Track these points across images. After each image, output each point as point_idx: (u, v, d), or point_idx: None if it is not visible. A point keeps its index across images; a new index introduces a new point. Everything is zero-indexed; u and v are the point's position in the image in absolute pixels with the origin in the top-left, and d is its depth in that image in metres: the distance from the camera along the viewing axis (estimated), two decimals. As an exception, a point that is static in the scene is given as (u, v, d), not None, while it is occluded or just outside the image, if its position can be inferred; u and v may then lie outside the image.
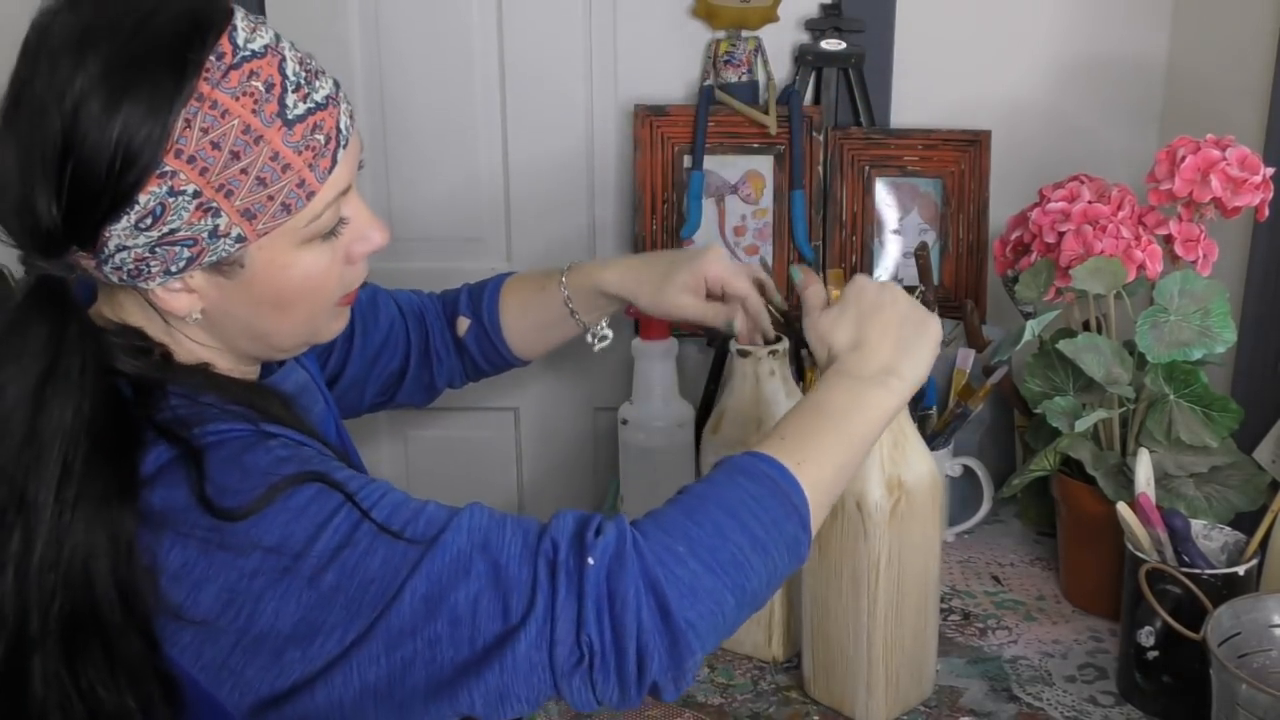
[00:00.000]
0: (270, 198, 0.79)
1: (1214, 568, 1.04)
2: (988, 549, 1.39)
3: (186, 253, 0.79)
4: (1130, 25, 1.61)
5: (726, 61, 1.64)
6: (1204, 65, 1.54)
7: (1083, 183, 1.27)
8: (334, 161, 0.82)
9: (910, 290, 1.44)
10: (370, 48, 1.71)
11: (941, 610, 1.18)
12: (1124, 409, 1.19)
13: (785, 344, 1.13)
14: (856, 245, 1.65)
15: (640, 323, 1.37)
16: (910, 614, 1.05)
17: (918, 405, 1.29)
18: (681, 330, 1.48)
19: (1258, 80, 1.35)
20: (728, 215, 1.67)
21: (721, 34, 1.64)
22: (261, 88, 0.78)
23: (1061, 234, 1.23)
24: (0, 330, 0.77)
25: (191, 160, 0.76)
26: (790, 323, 1.16)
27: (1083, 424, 1.17)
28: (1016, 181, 1.58)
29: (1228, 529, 1.09)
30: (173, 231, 0.77)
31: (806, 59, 1.64)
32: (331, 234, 0.85)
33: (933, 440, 1.29)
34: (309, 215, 0.82)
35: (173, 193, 0.76)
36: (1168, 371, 1.16)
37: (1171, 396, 1.16)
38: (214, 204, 0.77)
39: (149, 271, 0.79)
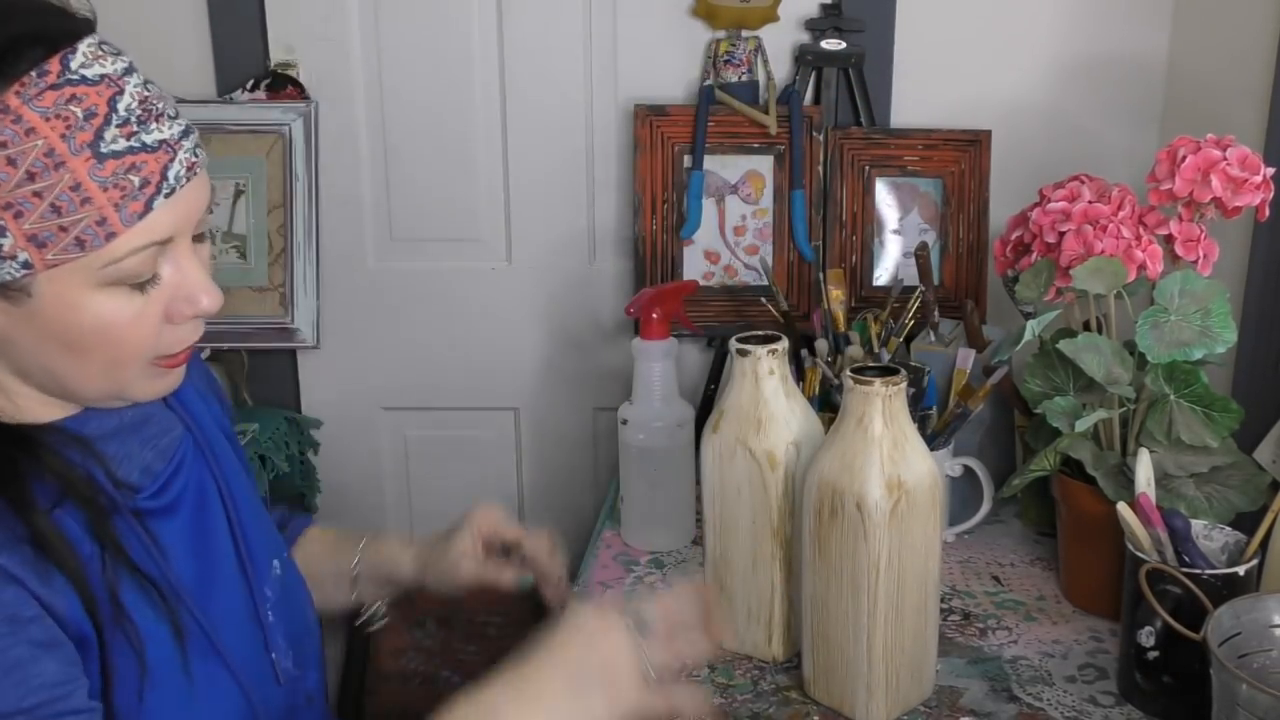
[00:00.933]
0: (63, 229, 0.74)
1: (1214, 568, 1.04)
2: (988, 549, 1.39)
3: None
4: (1131, 25, 1.61)
5: (727, 61, 1.64)
6: (1204, 65, 1.54)
7: (1083, 183, 1.27)
8: (148, 207, 0.77)
9: (910, 290, 1.44)
10: (370, 48, 1.71)
11: (941, 610, 1.18)
12: (1124, 409, 1.19)
13: (785, 343, 1.13)
14: (856, 245, 1.65)
15: (640, 322, 1.37)
16: (910, 614, 1.05)
17: (918, 405, 1.29)
18: (682, 330, 1.48)
19: (1258, 80, 1.35)
20: (728, 215, 1.67)
21: (721, 34, 1.64)
22: (79, 114, 0.74)
23: (1062, 234, 1.23)
24: None
25: None
26: (790, 323, 1.15)
27: (1083, 424, 1.17)
28: (1016, 181, 1.58)
29: (1228, 529, 1.09)
30: None
31: (807, 59, 1.64)
32: (142, 286, 0.80)
33: (933, 440, 1.29)
34: (106, 257, 0.77)
35: None
36: (1168, 371, 1.16)
37: (1172, 396, 1.16)
38: (1, 221, 0.74)
39: None
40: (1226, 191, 1.16)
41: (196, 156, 0.81)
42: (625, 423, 1.39)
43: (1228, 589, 1.00)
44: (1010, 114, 1.64)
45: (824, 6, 1.64)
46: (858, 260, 1.65)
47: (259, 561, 0.97)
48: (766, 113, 1.62)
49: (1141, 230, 1.21)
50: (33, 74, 0.73)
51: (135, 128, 0.76)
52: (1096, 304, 1.22)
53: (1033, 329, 1.22)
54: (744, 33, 1.63)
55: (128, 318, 0.80)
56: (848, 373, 1.03)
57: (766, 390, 1.12)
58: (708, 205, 1.66)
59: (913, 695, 1.08)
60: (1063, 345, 1.18)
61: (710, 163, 1.64)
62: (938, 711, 1.08)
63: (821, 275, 1.48)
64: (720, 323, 1.66)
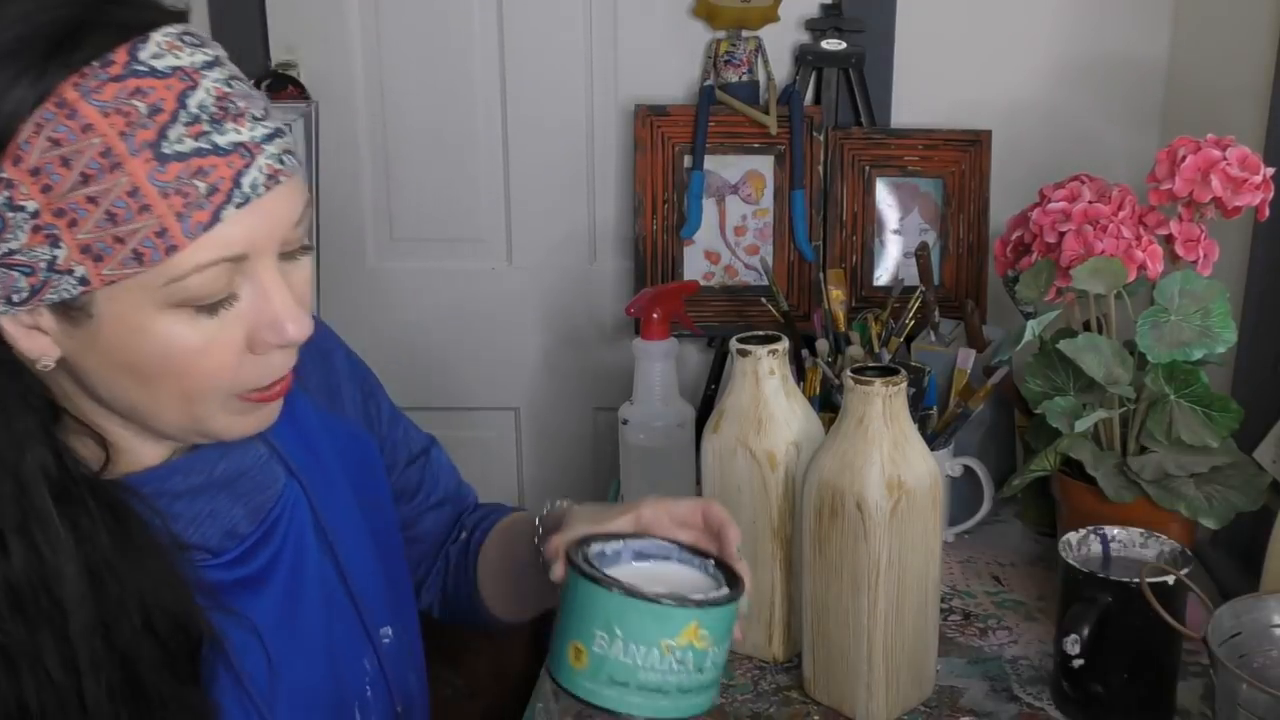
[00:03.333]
0: (119, 239, 0.66)
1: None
2: (988, 549, 1.39)
3: (25, 283, 0.67)
4: (1130, 25, 1.61)
5: (727, 61, 1.64)
6: (1204, 65, 1.54)
7: (1083, 183, 1.27)
8: (215, 218, 0.67)
9: (911, 290, 1.44)
10: (371, 48, 1.71)
11: (942, 610, 1.18)
12: (1124, 409, 1.19)
13: (785, 343, 1.13)
14: (857, 245, 1.65)
15: (641, 322, 1.37)
16: (910, 614, 1.05)
17: (918, 405, 1.29)
18: (682, 330, 1.48)
19: (1258, 80, 1.35)
20: (728, 215, 1.67)
21: (722, 34, 1.64)
22: (143, 110, 0.65)
23: (1062, 234, 1.23)
24: None
25: (35, 173, 0.65)
26: (791, 323, 1.16)
27: (1083, 424, 1.17)
28: (1017, 181, 1.58)
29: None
30: (11, 253, 0.66)
31: (807, 59, 1.64)
32: (214, 309, 0.70)
33: (933, 440, 1.29)
34: (168, 273, 0.67)
35: (11, 205, 0.65)
36: (1168, 371, 1.16)
37: (1172, 396, 1.16)
38: (54, 230, 0.65)
39: None
40: (1226, 191, 1.16)
41: (283, 164, 0.71)
42: (626, 423, 1.39)
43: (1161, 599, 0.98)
44: (1010, 114, 1.64)
45: (824, 6, 1.64)
46: (858, 260, 1.65)
47: (361, 630, 0.89)
48: (767, 113, 1.62)
49: (1142, 230, 1.21)
50: (95, 64, 0.65)
51: (206, 127, 0.67)
52: (1096, 304, 1.22)
53: (1033, 329, 1.22)
54: (744, 33, 1.63)
55: (196, 345, 0.71)
56: (848, 373, 1.03)
57: (767, 390, 1.12)
58: (708, 205, 1.66)
59: (913, 695, 1.08)
60: (1063, 345, 1.18)
61: (710, 163, 1.64)
62: (938, 711, 1.08)
63: (822, 275, 1.48)
64: (720, 323, 1.66)
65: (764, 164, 1.65)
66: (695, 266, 1.67)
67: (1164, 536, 1.07)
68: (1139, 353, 1.16)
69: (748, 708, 1.09)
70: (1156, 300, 1.17)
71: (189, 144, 0.66)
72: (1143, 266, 1.19)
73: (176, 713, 0.73)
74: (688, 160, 1.64)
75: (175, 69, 0.67)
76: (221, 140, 0.68)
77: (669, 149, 1.65)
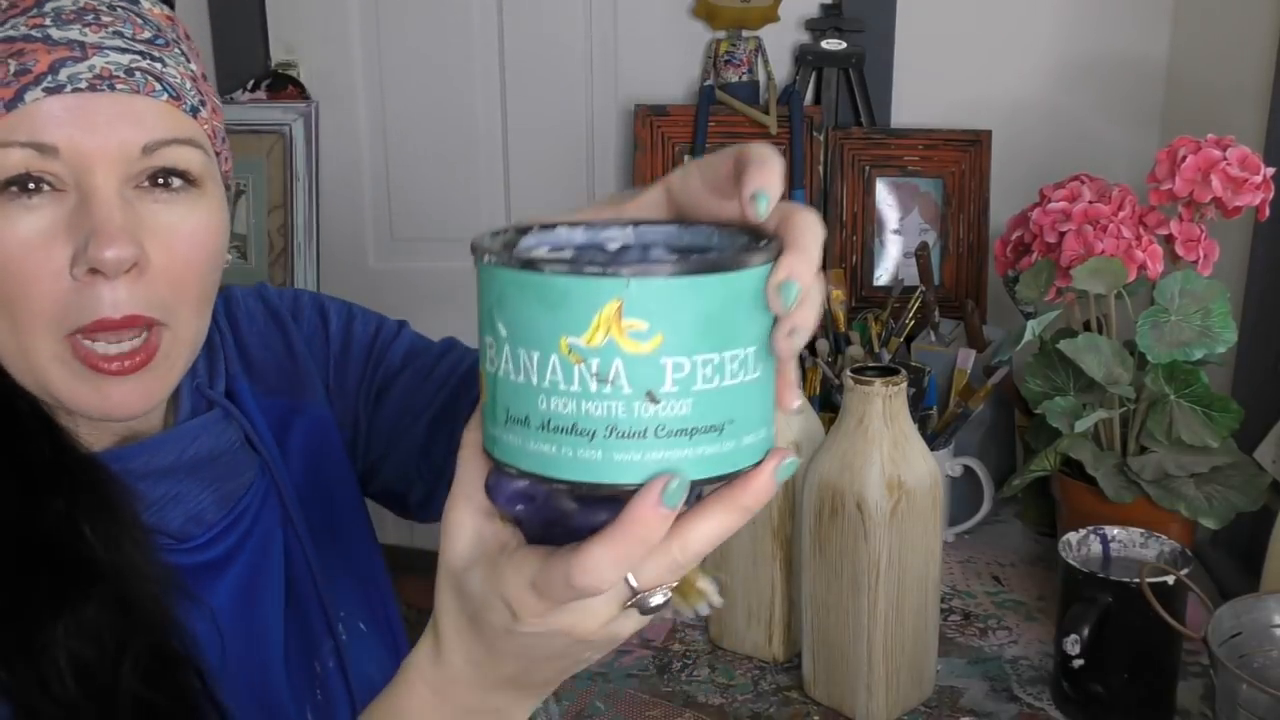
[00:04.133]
0: None
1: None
2: (988, 549, 1.39)
3: None
4: (1131, 25, 1.61)
5: (727, 61, 1.64)
6: (1204, 65, 1.54)
7: (1083, 183, 1.27)
8: (18, 97, 0.66)
9: (911, 290, 1.44)
10: (370, 48, 1.71)
11: (942, 610, 1.18)
12: (1124, 409, 1.19)
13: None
14: (857, 245, 1.65)
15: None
16: (910, 614, 1.05)
17: (919, 405, 1.29)
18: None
19: (1258, 80, 1.35)
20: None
21: (722, 34, 1.64)
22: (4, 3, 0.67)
23: (1062, 234, 1.23)
24: None
25: None
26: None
27: (1083, 424, 1.17)
28: (1017, 181, 1.58)
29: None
30: None
31: (807, 59, 1.64)
32: (25, 192, 0.67)
33: (933, 440, 1.29)
34: None
35: None
36: (1168, 371, 1.16)
37: (1172, 396, 1.16)
38: None
39: None
40: (1226, 191, 1.16)
41: (131, 77, 0.69)
42: (625, 423, 1.39)
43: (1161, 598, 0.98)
44: (1010, 114, 1.64)
45: (824, 6, 1.64)
46: (858, 260, 1.65)
47: (323, 624, 0.86)
48: (767, 113, 1.62)
49: (1142, 230, 1.21)
50: None
51: (48, 22, 0.67)
52: (1096, 304, 1.22)
53: (1033, 329, 1.22)
54: (744, 33, 1.63)
55: (20, 237, 0.67)
56: (848, 373, 1.03)
57: (767, 390, 1.12)
58: (708, 205, 1.65)
59: (913, 695, 1.08)
60: (1063, 345, 1.18)
61: (710, 163, 1.64)
62: (938, 711, 1.08)
63: (822, 275, 1.48)
64: (720, 323, 1.66)
65: (764, 164, 1.65)
66: (695, 266, 1.67)
67: (1164, 536, 1.07)
68: (1139, 353, 1.16)
69: (747, 707, 1.09)
70: (1156, 300, 1.17)
71: (21, 30, 0.67)
72: (1143, 266, 1.19)
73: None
74: (688, 160, 1.64)
75: None
76: (56, 34, 0.67)
77: (669, 149, 1.65)
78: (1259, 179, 1.16)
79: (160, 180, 0.71)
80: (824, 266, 1.70)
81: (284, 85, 1.68)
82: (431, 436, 0.91)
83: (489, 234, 0.51)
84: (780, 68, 1.66)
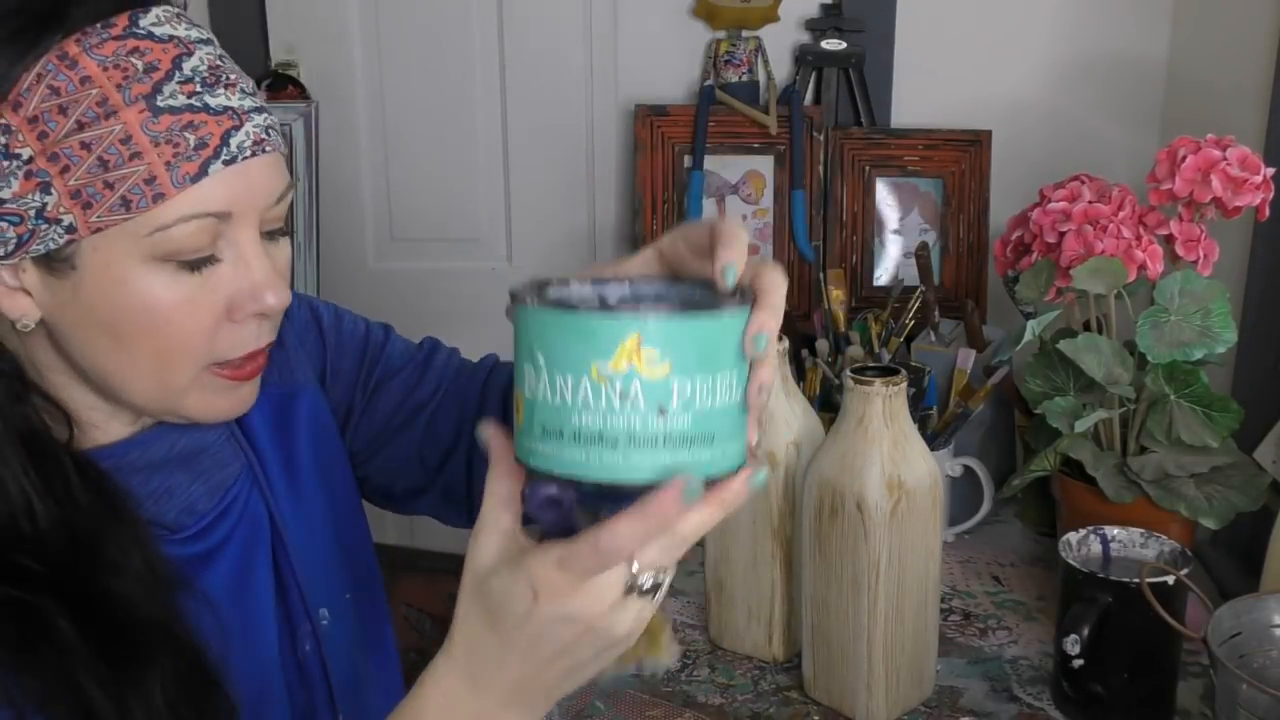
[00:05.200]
0: (109, 185, 0.68)
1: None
2: (988, 549, 1.39)
3: (13, 232, 0.69)
4: (1130, 25, 1.61)
5: (727, 61, 1.64)
6: (1204, 65, 1.54)
7: (1083, 183, 1.27)
8: (202, 171, 0.70)
9: (911, 290, 1.44)
10: (370, 48, 1.71)
11: (941, 610, 1.18)
12: (1124, 409, 1.19)
13: (785, 343, 1.13)
14: (857, 245, 1.65)
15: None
16: (910, 614, 1.05)
17: (918, 405, 1.29)
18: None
19: (1258, 80, 1.35)
20: (728, 215, 1.67)
21: (722, 34, 1.64)
22: (139, 67, 0.68)
23: (1062, 234, 1.23)
24: None
25: (33, 120, 0.67)
26: (790, 323, 1.15)
27: (1083, 424, 1.17)
28: (1017, 181, 1.59)
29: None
30: (0, 203, 0.68)
31: (807, 59, 1.64)
32: (197, 266, 0.72)
33: (933, 440, 1.29)
34: (154, 222, 0.69)
35: (6, 153, 0.68)
36: (1168, 371, 1.16)
37: (1172, 396, 1.16)
38: (46, 175, 0.68)
39: None
40: (1226, 191, 1.16)
41: (269, 136, 0.73)
42: (625, 423, 1.39)
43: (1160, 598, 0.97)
44: (1010, 114, 1.64)
45: (824, 6, 1.64)
46: (858, 260, 1.65)
47: (301, 610, 0.89)
48: (767, 113, 1.62)
49: (1142, 230, 1.21)
50: (97, 25, 0.68)
51: (199, 88, 0.70)
52: (1096, 304, 1.22)
53: (1033, 329, 1.22)
54: (744, 33, 1.63)
55: (175, 300, 0.72)
56: (848, 373, 1.03)
57: (767, 390, 1.12)
58: (708, 205, 1.66)
59: (913, 695, 1.08)
60: (1063, 345, 1.18)
61: (710, 163, 1.65)
62: (938, 711, 1.08)
63: (822, 275, 1.48)
64: (720, 323, 1.66)
65: (764, 164, 1.65)
66: (695, 266, 1.67)
67: (1164, 536, 1.07)
68: (1139, 353, 1.16)
69: (747, 707, 1.09)
70: (1156, 300, 1.17)
71: (181, 100, 0.69)
72: (1143, 266, 1.19)
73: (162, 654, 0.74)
74: (688, 160, 1.64)
75: (172, 37, 0.70)
76: (212, 101, 0.70)
77: (669, 149, 1.65)
78: (1259, 179, 1.16)
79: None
80: (824, 267, 1.70)
81: (284, 85, 1.68)
82: (427, 435, 0.98)
83: (527, 284, 0.62)
84: (780, 68, 1.66)
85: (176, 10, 0.73)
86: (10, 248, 0.69)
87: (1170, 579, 0.98)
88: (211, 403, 0.77)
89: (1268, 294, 1.31)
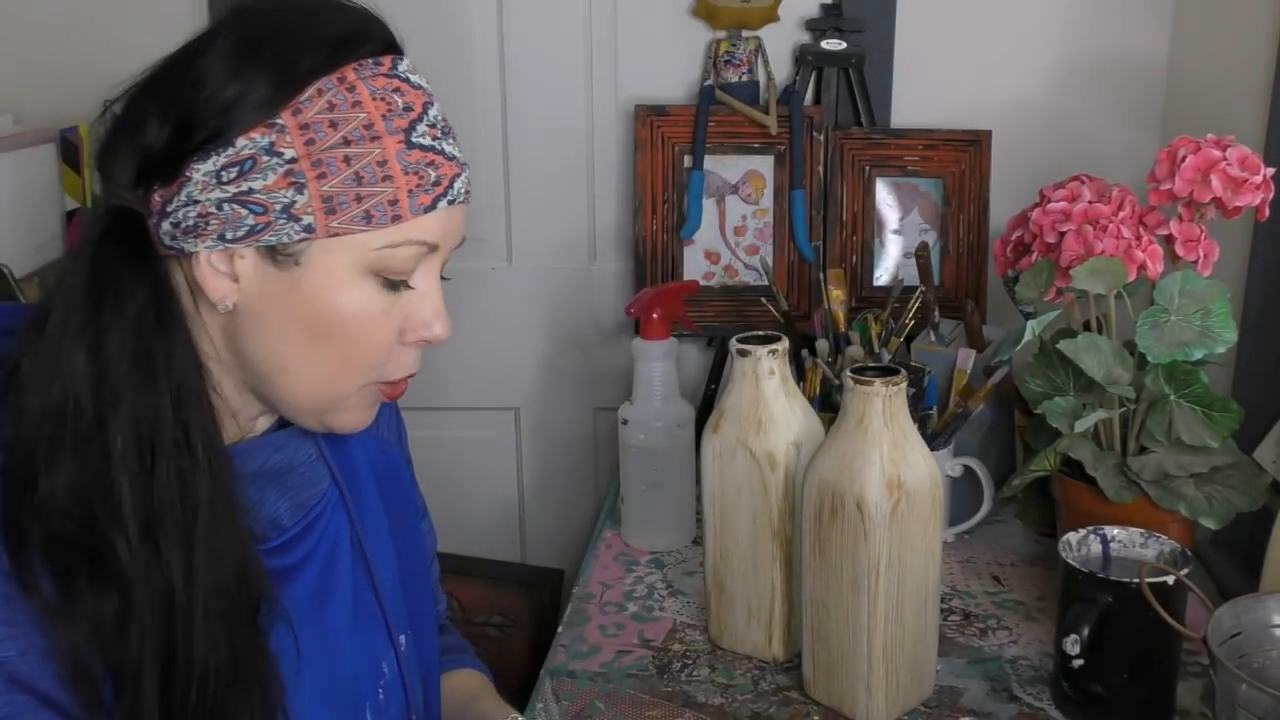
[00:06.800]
0: (358, 198, 0.75)
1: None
2: (988, 549, 1.39)
3: (251, 220, 0.74)
4: (1131, 26, 1.61)
5: (727, 61, 1.64)
6: (1205, 66, 1.54)
7: (1083, 183, 1.27)
8: (434, 205, 0.78)
9: (911, 290, 1.44)
10: (370, 48, 1.71)
11: (942, 610, 1.18)
12: (1124, 409, 1.19)
13: (785, 343, 1.13)
14: (857, 245, 1.65)
15: (641, 322, 1.37)
16: (910, 614, 1.05)
17: (918, 405, 1.29)
18: (682, 330, 1.48)
19: (1258, 80, 1.35)
20: (728, 215, 1.67)
21: (722, 34, 1.64)
22: (400, 104, 0.77)
23: (1062, 234, 1.23)
24: (84, 270, 0.73)
25: (305, 127, 0.74)
26: (791, 323, 1.15)
27: (1083, 424, 1.17)
28: (1017, 181, 1.58)
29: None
30: (249, 192, 0.73)
31: (807, 59, 1.64)
32: (395, 286, 0.79)
33: (933, 440, 1.29)
34: (384, 239, 0.76)
35: (270, 151, 0.73)
36: (1168, 371, 1.16)
37: (1172, 396, 1.16)
38: (303, 178, 0.74)
39: (204, 230, 0.74)
40: (1226, 191, 1.16)
41: (469, 187, 0.82)
42: (625, 423, 1.39)
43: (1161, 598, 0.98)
44: (1010, 114, 1.64)
45: (824, 6, 1.64)
46: (858, 260, 1.65)
47: (385, 634, 0.92)
48: (767, 113, 1.62)
49: (1142, 230, 1.21)
50: (371, 60, 0.77)
51: (439, 134, 0.79)
52: (1096, 304, 1.22)
53: (1033, 329, 1.22)
54: (744, 33, 1.63)
55: (374, 312, 0.79)
56: (848, 373, 1.03)
57: (767, 390, 1.12)
58: (708, 205, 1.66)
59: (913, 695, 1.08)
60: (1063, 345, 1.18)
61: (710, 163, 1.64)
62: (938, 711, 1.08)
63: (822, 275, 1.49)
64: (720, 323, 1.67)
65: (764, 164, 1.65)
66: (695, 266, 1.67)
67: (1164, 536, 1.07)
68: (1139, 353, 1.16)
69: (748, 708, 1.09)
70: (1156, 300, 1.17)
71: (428, 140, 0.78)
72: (1143, 266, 1.19)
73: (251, 658, 0.77)
74: (688, 160, 1.64)
75: (420, 86, 0.80)
76: (447, 148, 0.79)
77: (669, 149, 1.65)
78: (1259, 179, 1.16)
79: None
80: (824, 267, 1.70)
81: (284, 85, 1.68)
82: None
83: None
84: (780, 68, 1.66)
85: (411, 63, 0.82)
86: (241, 233, 0.74)
87: (1170, 579, 0.98)
88: (358, 415, 0.84)
89: (1268, 294, 1.31)
